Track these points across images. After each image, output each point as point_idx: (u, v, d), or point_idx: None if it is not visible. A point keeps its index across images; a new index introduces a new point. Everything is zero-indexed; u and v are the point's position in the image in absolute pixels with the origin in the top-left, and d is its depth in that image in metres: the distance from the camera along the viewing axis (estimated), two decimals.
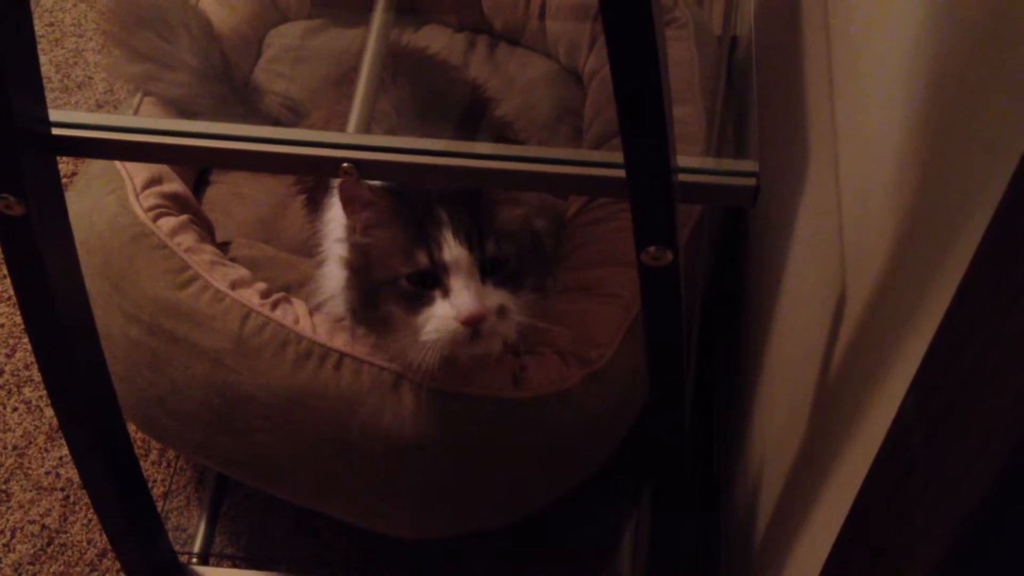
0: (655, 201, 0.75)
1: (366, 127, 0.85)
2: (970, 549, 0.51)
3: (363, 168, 0.80)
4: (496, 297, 1.01)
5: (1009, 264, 0.46)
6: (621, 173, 0.74)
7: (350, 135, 0.83)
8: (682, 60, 1.38)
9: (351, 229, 1.04)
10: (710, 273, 1.44)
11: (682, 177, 0.76)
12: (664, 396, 0.90)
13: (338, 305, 1.09)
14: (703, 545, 1.35)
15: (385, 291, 1.02)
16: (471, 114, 1.32)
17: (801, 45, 1.12)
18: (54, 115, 0.81)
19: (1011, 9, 0.54)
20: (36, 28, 0.76)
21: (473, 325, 0.99)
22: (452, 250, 0.98)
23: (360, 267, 1.04)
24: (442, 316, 0.99)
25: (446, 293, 0.99)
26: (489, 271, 1.01)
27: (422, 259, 0.99)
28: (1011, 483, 0.47)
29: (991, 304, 0.48)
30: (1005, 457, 0.47)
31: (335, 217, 1.11)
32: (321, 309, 1.12)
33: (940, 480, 0.52)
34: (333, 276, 1.10)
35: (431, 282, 1.00)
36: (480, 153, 0.82)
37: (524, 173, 0.81)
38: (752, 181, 0.78)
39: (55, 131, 0.81)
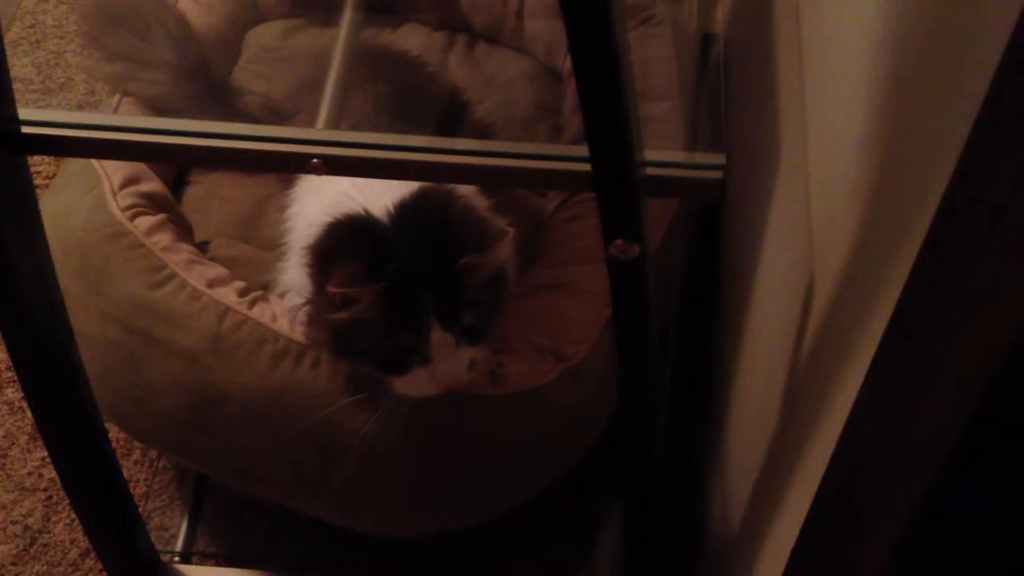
0: (621, 194, 0.75)
1: (336, 122, 0.85)
2: (922, 536, 0.52)
3: (333, 164, 0.80)
4: (468, 354, 1.05)
5: (950, 256, 0.47)
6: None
7: (320, 131, 0.83)
8: (659, 58, 1.39)
9: (331, 303, 1.04)
10: (687, 270, 1.44)
11: (649, 170, 0.77)
12: (635, 390, 0.90)
13: (294, 297, 1.10)
14: (683, 541, 1.35)
15: (362, 354, 1.05)
16: (449, 117, 1.33)
17: (774, 41, 1.12)
18: (23, 113, 0.81)
19: (959, 9, 0.55)
20: (17, 30, 0.76)
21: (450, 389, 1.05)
22: (438, 334, 1.02)
23: (338, 334, 1.05)
24: (420, 382, 1.05)
25: (425, 361, 1.03)
26: (463, 335, 1.05)
27: (408, 339, 1.02)
28: (961, 471, 0.48)
29: (936, 294, 0.48)
30: (954, 446, 0.48)
31: (297, 213, 1.12)
32: (283, 300, 1.13)
33: (893, 469, 0.53)
34: (293, 268, 1.11)
35: (411, 350, 1.03)
36: (453, 148, 0.82)
37: (497, 168, 0.81)
38: (719, 174, 0.78)
39: (25, 129, 0.81)
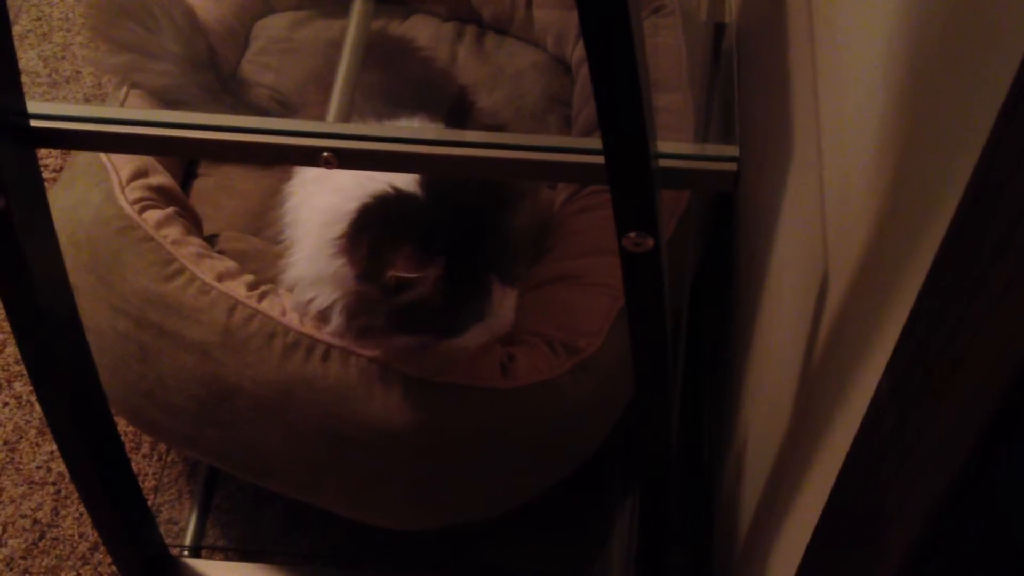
0: (635, 186, 0.74)
1: (346, 115, 0.84)
2: (941, 531, 0.51)
3: (344, 157, 0.80)
4: (512, 297, 1.07)
5: (973, 248, 0.46)
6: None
7: (330, 123, 0.83)
8: (670, 48, 1.38)
9: (386, 289, 1.02)
10: (699, 262, 1.43)
11: (663, 162, 0.76)
12: (649, 383, 0.89)
13: (304, 291, 1.09)
14: (694, 533, 1.35)
15: (421, 326, 1.05)
16: (458, 109, 1.32)
17: (786, 30, 1.11)
18: (32, 106, 0.80)
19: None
20: (24, 23, 0.76)
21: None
22: (499, 290, 1.04)
23: (397, 316, 1.04)
24: (478, 336, 1.06)
25: (482, 317, 1.05)
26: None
27: (472, 302, 1.04)
28: (979, 466, 0.47)
29: (958, 288, 0.47)
30: (973, 441, 0.47)
31: (298, 206, 1.12)
32: (292, 295, 1.12)
33: (913, 463, 0.52)
34: (305, 261, 1.10)
35: (472, 312, 1.05)
36: (465, 141, 0.81)
37: (508, 161, 0.81)
38: (732, 166, 0.77)
39: (34, 123, 0.81)
